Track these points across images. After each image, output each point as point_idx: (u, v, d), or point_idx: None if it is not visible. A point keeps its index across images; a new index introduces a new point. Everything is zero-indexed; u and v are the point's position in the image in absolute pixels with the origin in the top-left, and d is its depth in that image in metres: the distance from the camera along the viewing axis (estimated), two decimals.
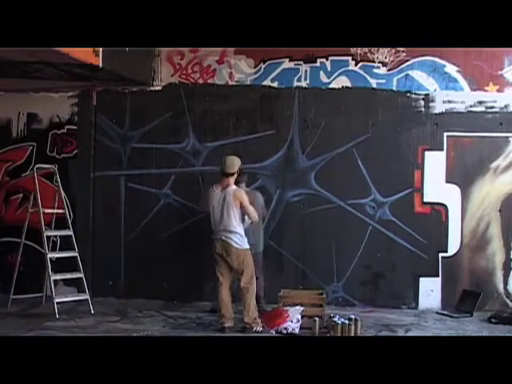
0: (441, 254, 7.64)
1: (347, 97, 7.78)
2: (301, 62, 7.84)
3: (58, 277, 7.35)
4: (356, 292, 7.76)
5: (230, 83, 7.96)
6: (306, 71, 7.84)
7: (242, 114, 7.91)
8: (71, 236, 7.40)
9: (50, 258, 7.25)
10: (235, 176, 6.41)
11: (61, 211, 7.51)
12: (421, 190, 7.71)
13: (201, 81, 8.00)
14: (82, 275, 7.26)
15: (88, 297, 7.22)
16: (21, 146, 8.25)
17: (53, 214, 7.63)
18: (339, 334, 6.08)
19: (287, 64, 7.86)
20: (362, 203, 7.76)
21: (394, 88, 7.75)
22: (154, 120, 8.02)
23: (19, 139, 8.26)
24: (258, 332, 6.25)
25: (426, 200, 7.69)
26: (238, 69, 7.95)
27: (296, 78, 7.85)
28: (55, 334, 6.08)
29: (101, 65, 6.44)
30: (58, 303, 6.95)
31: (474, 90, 7.66)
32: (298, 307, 6.53)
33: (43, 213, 7.30)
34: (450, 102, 7.68)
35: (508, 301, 7.60)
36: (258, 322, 6.35)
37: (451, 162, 7.68)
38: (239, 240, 6.31)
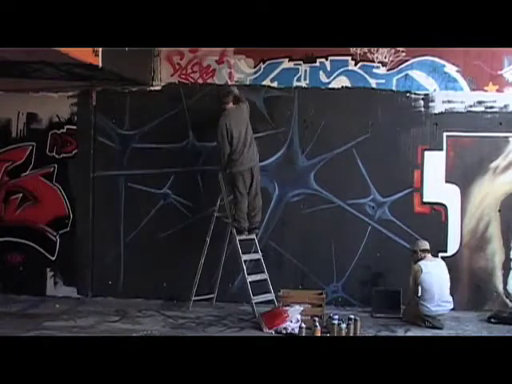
0: (440, 254, 7.63)
1: (347, 97, 7.77)
2: (300, 62, 7.83)
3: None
4: (355, 292, 7.76)
5: (230, 83, 7.94)
6: (305, 71, 7.83)
7: None
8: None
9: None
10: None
11: (60, 211, 7.51)
12: (420, 190, 7.71)
13: (200, 81, 7.99)
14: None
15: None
16: (20, 146, 8.24)
17: (52, 214, 7.63)
18: (336, 334, 6.09)
19: (287, 64, 7.85)
20: (362, 203, 7.76)
21: (394, 88, 7.75)
22: (154, 120, 8.01)
23: (19, 139, 8.24)
24: None
25: (425, 200, 7.69)
26: (238, 69, 7.94)
27: (296, 78, 7.84)
28: (55, 334, 6.08)
29: (100, 65, 6.43)
30: (57, 302, 6.96)
31: (473, 90, 7.66)
32: (297, 307, 6.53)
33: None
34: (449, 101, 7.68)
35: (508, 301, 7.59)
36: None
37: (451, 162, 7.68)
38: None
